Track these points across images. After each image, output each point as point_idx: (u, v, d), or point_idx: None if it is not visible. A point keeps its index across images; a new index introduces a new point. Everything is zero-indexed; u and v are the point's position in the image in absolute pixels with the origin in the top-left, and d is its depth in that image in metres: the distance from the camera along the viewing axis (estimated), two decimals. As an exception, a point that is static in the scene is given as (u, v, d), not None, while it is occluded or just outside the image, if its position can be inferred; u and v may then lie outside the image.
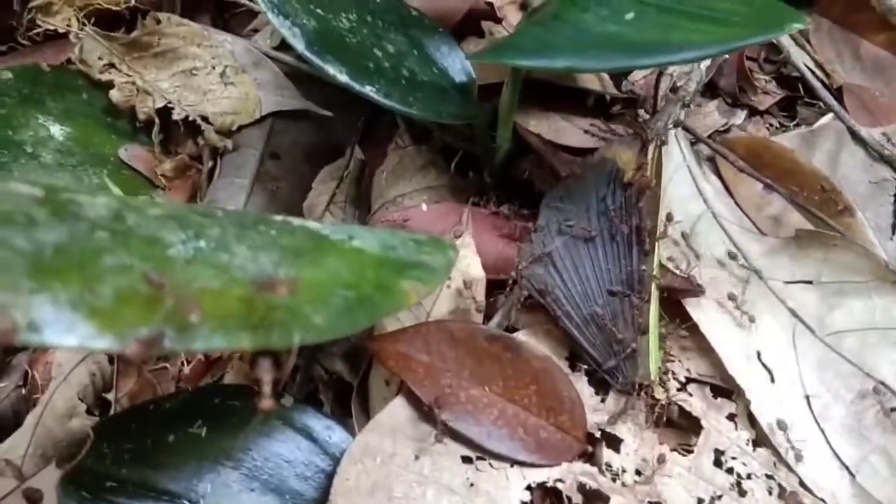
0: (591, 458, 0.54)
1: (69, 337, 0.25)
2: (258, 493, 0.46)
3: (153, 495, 0.45)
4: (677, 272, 0.61)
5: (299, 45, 0.54)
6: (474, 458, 0.52)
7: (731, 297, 0.60)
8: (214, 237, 0.35)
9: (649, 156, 0.62)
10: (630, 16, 0.52)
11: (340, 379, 0.60)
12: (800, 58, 0.86)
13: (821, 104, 0.84)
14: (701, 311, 0.60)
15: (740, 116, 0.83)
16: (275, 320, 0.30)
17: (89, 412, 0.66)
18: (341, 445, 0.49)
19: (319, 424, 0.50)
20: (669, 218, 0.62)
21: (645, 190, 0.60)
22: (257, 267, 0.33)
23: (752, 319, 0.59)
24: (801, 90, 0.88)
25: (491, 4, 0.79)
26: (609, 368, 0.56)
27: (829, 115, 0.80)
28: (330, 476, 0.48)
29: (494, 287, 0.61)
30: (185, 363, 0.69)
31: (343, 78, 0.54)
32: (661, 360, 0.58)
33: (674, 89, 0.78)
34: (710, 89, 0.86)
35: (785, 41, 0.86)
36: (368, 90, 0.55)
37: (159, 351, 0.26)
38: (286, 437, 0.48)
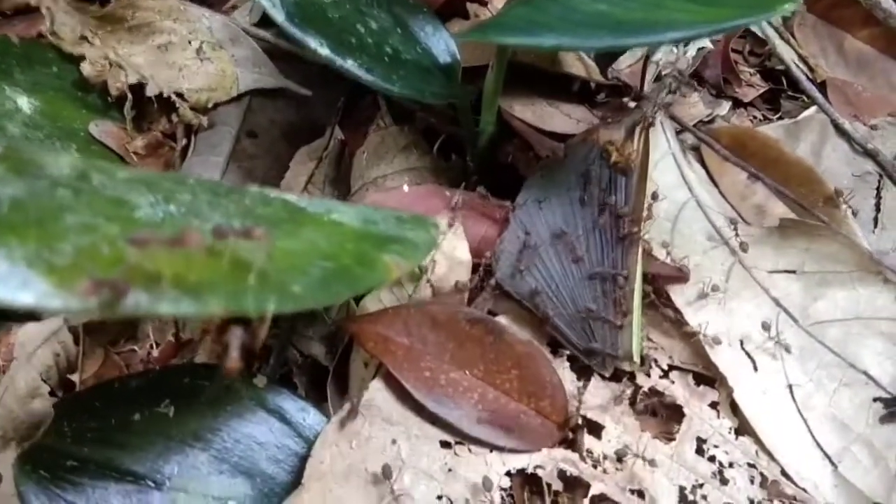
0: (571, 445, 0.53)
1: (24, 294, 0.23)
2: (228, 475, 0.44)
3: (116, 476, 0.43)
4: (661, 258, 0.60)
5: (279, 17, 0.52)
6: (453, 443, 0.50)
7: (714, 286, 0.60)
8: (185, 202, 0.33)
9: (636, 137, 0.61)
10: (620, -6, 0.51)
11: (315, 363, 0.59)
12: (784, 52, 0.86)
13: (804, 98, 0.84)
14: (684, 299, 0.59)
15: (725, 107, 0.82)
16: (249, 286, 0.28)
17: (52, 394, 0.64)
18: (315, 428, 0.48)
19: (293, 406, 0.48)
20: (655, 196, 0.61)
21: (631, 170, 0.59)
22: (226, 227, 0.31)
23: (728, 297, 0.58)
24: (785, 83, 0.88)
25: (476, -14, 0.78)
26: (590, 350, 0.55)
27: (813, 108, 0.80)
28: (303, 459, 0.46)
29: (479, 270, 0.60)
30: (153, 346, 0.67)
31: (324, 51, 0.53)
32: (642, 342, 0.57)
33: (658, 78, 0.77)
34: (694, 80, 0.85)
35: (770, 33, 0.85)
36: (350, 65, 0.54)
37: (122, 311, 0.24)
38: (258, 419, 0.47)
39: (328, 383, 0.55)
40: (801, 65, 0.86)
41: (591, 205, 0.61)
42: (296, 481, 0.45)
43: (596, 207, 0.60)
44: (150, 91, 0.71)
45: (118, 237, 0.27)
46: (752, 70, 0.89)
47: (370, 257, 0.36)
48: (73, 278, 0.24)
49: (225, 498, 0.44)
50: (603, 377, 0.56)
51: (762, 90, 0.86)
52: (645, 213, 0.60)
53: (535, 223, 0.60)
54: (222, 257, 0.29)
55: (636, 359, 0.56)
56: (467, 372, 0.53)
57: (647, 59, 0.67)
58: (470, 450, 0.51)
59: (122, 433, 0.44)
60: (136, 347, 0.68)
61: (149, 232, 0.26)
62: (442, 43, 0.66)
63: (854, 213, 0.68)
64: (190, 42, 0.73)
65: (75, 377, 0.65)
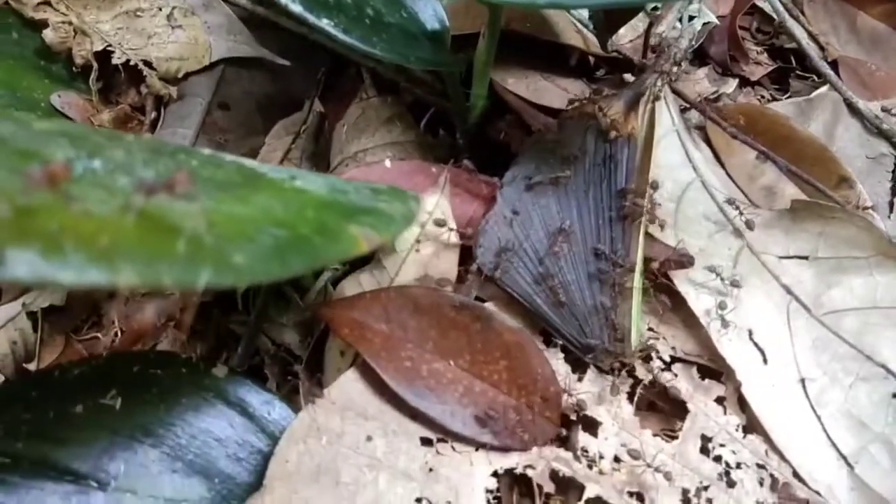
0: (565, 443, 0.49)
1: None
2: (181, 474, 0.40)
3: (54, 474, 0.38)
4: (664, 242, 0.55)
5: (247, -31, 0.47)
6: (435, 441, 0.46)
7: (721, 272, 0.55)
8: (115, 159, 0.28)
9: (640, 110, 0.56)
10: (621, -52, 0.47)
11: (289, 352, 0.54)
12: (794, 29, 0.81)
13: (814, 77, 0.80)
14: (689, 285, 0.54)
15: (731, 85, 0.78)
16: (176, 254, 0.24)
17: (7, 384, 0.59)
18: (282, 423, 0.43)
19: (257, 399, 0.43)
20: (654, 186, 0.57)
21: (634, 144, 0.55)
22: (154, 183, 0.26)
23: (736, 284, 0.54)
24: (794, 62, 0.83)
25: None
26: (586, 342, 0.51)
27: (825, 87, 0.76)
28: (267, 457, 0.41)
29: (469, 253, 0.56)
30: (119, 333, 0.62)
31: (296, 8, 0.48)
32: (643, 331, 0.53)
33: (663, 52, 0.72)
34: (699, 57, 0.81)
35: (780, 9, 0.80)
36: (325, 23, 0.49)
37: (5, 275, 0.20)
38: (217, 413, 0.42)
39: (300, 373, 0.51)
40: (811, 43, 0.82)
41: (587, 182, 0.56)
42: (258, 482, 0.41)
43: (592, 185, 0.56)
44: (117, 59, 0.66)
45: (16, 192, 0.23)
46: (759, 48, 0.85)
47: (334, 227, 0.31)
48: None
49: (178, 500, 0.39)
50: (600, 369, 0.52)
51: (770, 69, 0.82)
52: (647, 196, 0.55)
53: (524, 202, 0.55)
54: (146, 218, 0.24)
55: (636, 348, 0.51)
56: (452, 362, 0.48)
57: (649, 27, 0.62)
58: (453, 447, 0.46)
59: (62, 427, 0.39)
60: (99, 335, 0.63)
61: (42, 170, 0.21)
62: (429, 8, 0.61)
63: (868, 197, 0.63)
64: (160, 8, 0.68)
65: (32, 366, 0.60)
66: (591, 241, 0.54)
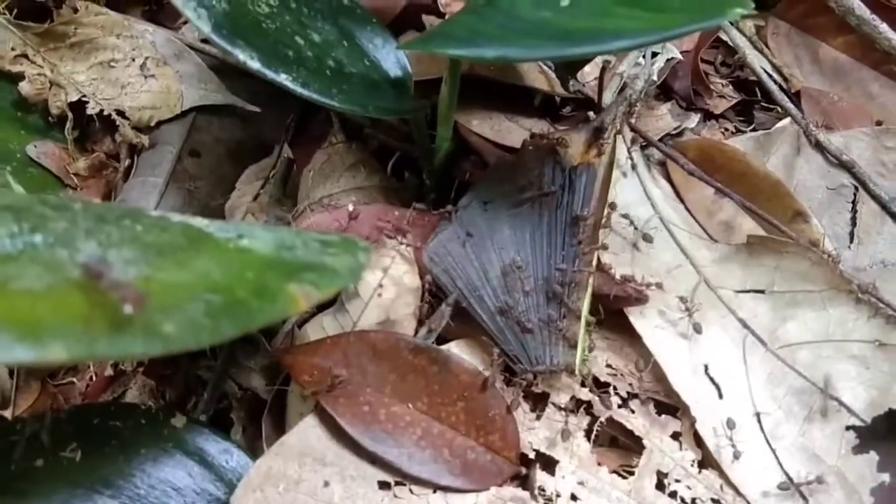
0: (523, 482, 0.50)
1: None
2: (140, 525, 0.41)
3: (14, 529, 0.39)
4: (620, 278, 0.56)
5: (205, 28, 0.49)
6: (393, 484, 0.47)
7: (678, 307, 0.56)
8: (57, 232, 0.30)
9: (601, 143, 0.58)
10: (566, 2, 0.49)
11: (255, 396, 0.55)
12: (757, 61, 0.83)
13: (778, 109, 0.81)
14: (644, 322, 0.56)
15: (694, 120, 0.79)
16: (104, 327, 0.25)
17: (-18, 432, 0.60)
18: (240, 471, 0.44)
19: (215, 448, 0.44)
20: (613, 206, 0.58)
21: (594, 172, 0.56)
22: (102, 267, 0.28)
23: (697, 329, 0.55)
24: (759, 94, 0.85)
25: (434, -3, 0.75)
26: (533, 366, 0.52)
27: (787, 119, 0.77)
28: (225, 505, 0.42)
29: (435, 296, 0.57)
30: (94, 377, 0.64)
31: (254, 65, 0.50)
32: (586, 354, 0.54)
33: (623, 90, 0.74)
34: (663, 92, 0.83)
35: (741, 42, 0.82)
36: (283, 78, 0.50)
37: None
38: (176, 462, 0.43)
39: (263, 419, 0.52)
40: (774, 74, 0.84)
41: (543, 207, 0.57)
42: (215, 530, 0.42)
43: (548, 211, 0.57)
44: (91, 109, 0.68)
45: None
46: (724, 81, 0.87)
47: (272, 288, 0.33)
48: None
49: (137, 549, 0.40)
50: (558, 407, 0.53)
51: (734, 101, 0.84)
52: (603, 222, 0.57)
53: (479, 225, 0.57)
54: (78, 293, 0.25)
55: (577, 371, 0.52)
56: (410, 405, 0.49)
57: (603, 69, 0.64)
58: (411, 490, 0.47)
59: (23, 480, 0.40)
60: (75, 379, 0.65)
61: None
62: (392, 56, 0.63)
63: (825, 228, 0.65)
64: (133, 59, 0.70)
65: (7, 413, 0.62)
66: (542, 266, 0.55)
